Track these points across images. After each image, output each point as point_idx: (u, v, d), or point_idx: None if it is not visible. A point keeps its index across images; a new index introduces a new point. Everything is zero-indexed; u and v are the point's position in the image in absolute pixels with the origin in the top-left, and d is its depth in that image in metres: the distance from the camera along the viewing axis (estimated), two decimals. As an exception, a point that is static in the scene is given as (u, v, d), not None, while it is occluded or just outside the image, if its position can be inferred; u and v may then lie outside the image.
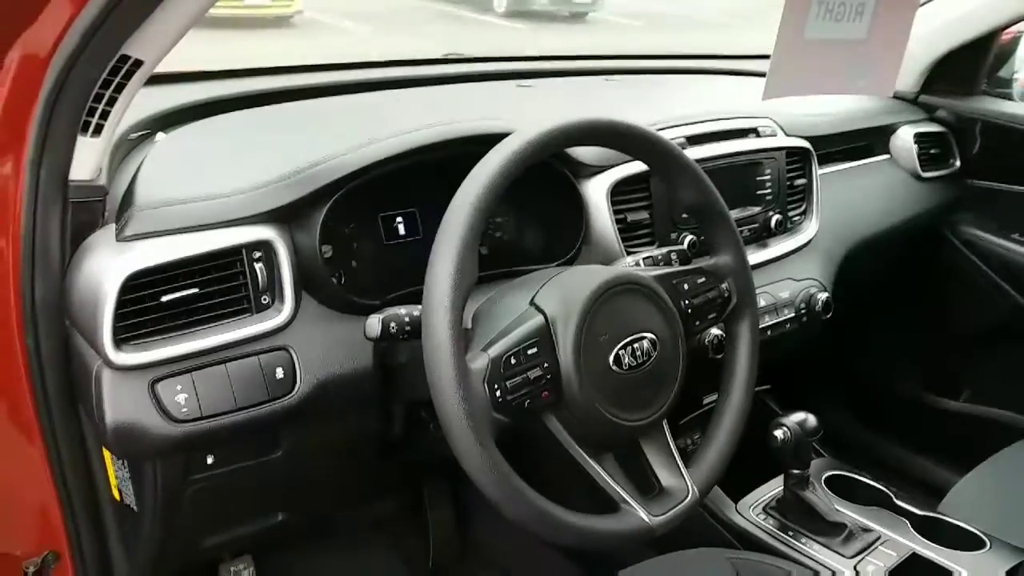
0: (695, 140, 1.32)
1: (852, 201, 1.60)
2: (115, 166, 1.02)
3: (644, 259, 1.08)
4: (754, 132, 1.41)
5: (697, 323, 1.00)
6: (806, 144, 1.49)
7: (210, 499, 0.98)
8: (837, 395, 1.99)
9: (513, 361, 0.81)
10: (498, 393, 0.79)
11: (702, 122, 1.36)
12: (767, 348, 1.35)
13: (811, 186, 1.50)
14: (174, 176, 1.01)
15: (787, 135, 1.47)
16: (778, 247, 1.43)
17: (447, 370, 0.75)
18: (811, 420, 1.25)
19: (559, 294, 0.88)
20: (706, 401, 1.49)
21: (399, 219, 1.11)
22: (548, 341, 0.84)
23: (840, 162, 1.62)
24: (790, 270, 1.44)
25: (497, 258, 1.20)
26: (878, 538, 1.20)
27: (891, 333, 1.95)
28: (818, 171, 1.51)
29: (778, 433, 1.23)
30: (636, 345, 0.88)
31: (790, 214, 1.47)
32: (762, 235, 1.42)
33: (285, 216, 0.96)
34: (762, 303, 1.36)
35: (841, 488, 1.32)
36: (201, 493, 0.97)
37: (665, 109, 1.42)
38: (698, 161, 1.12)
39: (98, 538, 1.05)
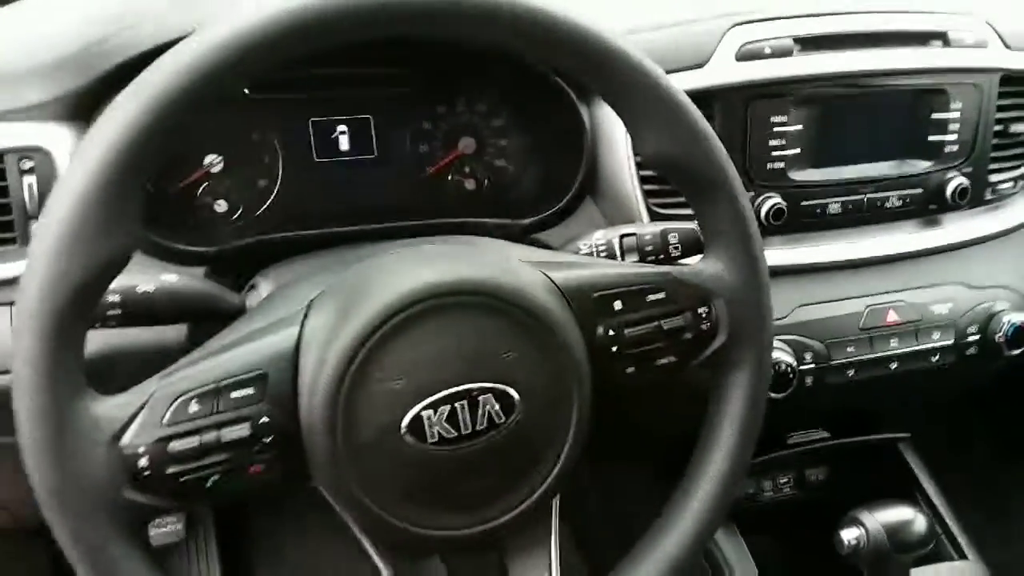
0: (813, 43, 0.82)
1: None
2: None
3: (598, 246, 0.67)
4: (939, 38, 0.85)
5: (631, 368, 0.57)
6: (1053, 66, 0.89)
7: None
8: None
9: (195, 408, 0.48)
10: (146, 461, 0.47)
11: (838, 14, 0.83)
12: (894, 386, 0.87)
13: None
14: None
15: (1008, 47, 0.88)
16: (955, 229, 0.89)
17: (30, 417, 0.44)
18: (918, 523, 0.78)
19: (348, 293, 0.52)
20: (792, 439, 1.02)
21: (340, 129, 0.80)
22: (285, 378, 0.50)
23: None
24: (966, 270, 0.89)
25: (481, 199, 0.85)
26: None
27: None
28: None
29: (847, 536, 0.78)
30: (463, 404, 0.50)
31: (994, 179, 0.91)
32: (928, 207, 0.88)
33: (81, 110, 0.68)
34: (892, 318, 0.85)
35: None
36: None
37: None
38: (821, 83, 0.76)
39: None
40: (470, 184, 0.85)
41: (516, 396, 0.52)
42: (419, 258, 0.55)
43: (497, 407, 0.51)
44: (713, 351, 0.59)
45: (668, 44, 0.79)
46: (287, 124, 0.78)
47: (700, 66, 0.79)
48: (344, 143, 0.81)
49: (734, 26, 0.80)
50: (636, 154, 0.77)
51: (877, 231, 0.87)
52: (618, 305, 0.57)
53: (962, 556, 0.95)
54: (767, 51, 0.80)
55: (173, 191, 0.76)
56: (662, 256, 0.69)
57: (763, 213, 0.81)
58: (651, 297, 0.57)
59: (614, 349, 0.56)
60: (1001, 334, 0.86)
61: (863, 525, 0.77)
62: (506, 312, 0.52)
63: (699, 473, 0.60)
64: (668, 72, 0.76)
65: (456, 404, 0.50)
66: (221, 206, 0.78)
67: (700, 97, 0.78)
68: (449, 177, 0.84)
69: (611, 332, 0.56)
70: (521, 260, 0.57)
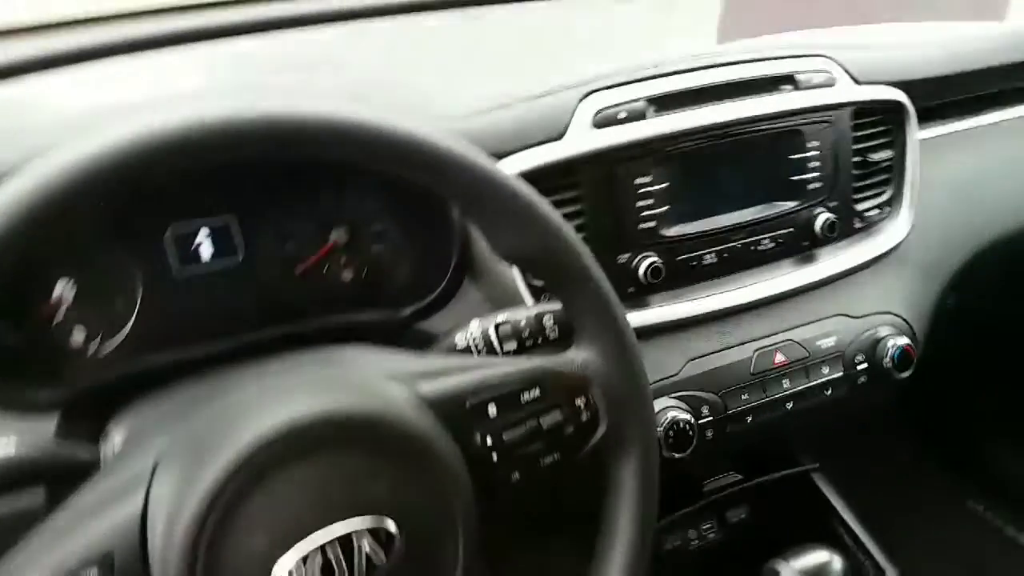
0: (666, 103, 0.83)
1: (977, 181, 1.01)
2: None
3: (474, 340, 0.65)
4: (788, 81, 0.88)
5: (515, 474, 0.55)
6: (896, 95, 0.92)
7: None
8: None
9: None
10: None
11: (687, 71, 0.85)
12: (794, 424, 0.88)
13: (903, 161, 0.94)
14: None
15: (858, 82, 0.91)
16: (830, 263, 0.91)
17: None
18: (835, 565, 0.78)
19: (194, 446, 0.49)
20: (708, 487, 1.02)
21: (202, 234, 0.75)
22: (134, 556, 0.45)
23: (956, 119, 1.02)
24: (847, 301, 0.91)
25: (359, 291, 0.82)
26: None
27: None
28: (916, 136, 0.94)
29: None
30: (336, 552, 0.47)
31: (861, 207, 0.93)
32: (801, 245, 0.90)
33: None
34: (780, 359, 0.86)
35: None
36: None
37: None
38: (680, 140, 0.76)
39: None
40: (347, 274, 0.82)
41: (395, 530, 0.49)
42: (273, 394, 0.52)
43: (375, 546, 0.48)
44: (597, 441, 0.58)
45: (523, 120, 0.79)
46: (142, 233, 0.73)
47: (558, 138, 0.79)
48: (207, 249, 0.77)
49: (586, 95, 0.80)
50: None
51: (755, 275, 0.88)
52: (493, 410, 0.55)
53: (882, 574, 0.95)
54: (622, 115, 0.80)
55: (17, 330, 0.71)
56: (541, 340, 0.67)
57: (641, 273, 0.81)
58: (526, 396, 0.56)
59: (494, 458, 0.54)
60: (888, 359, 0.88)
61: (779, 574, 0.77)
62: (373, 441, 0.49)
63: (603, 571, 0.58)
64: (527, 147, 0.78)
65: (329, 553, 0.47)
66: (75, 339, 0.73)
67: (563, 168, 0.78)
68: (324, 270, 0.81)
69: (489, 440, 0.54)
70: (388, 375, 0.55)
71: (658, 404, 0.80)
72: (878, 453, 1.20)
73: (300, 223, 0.79)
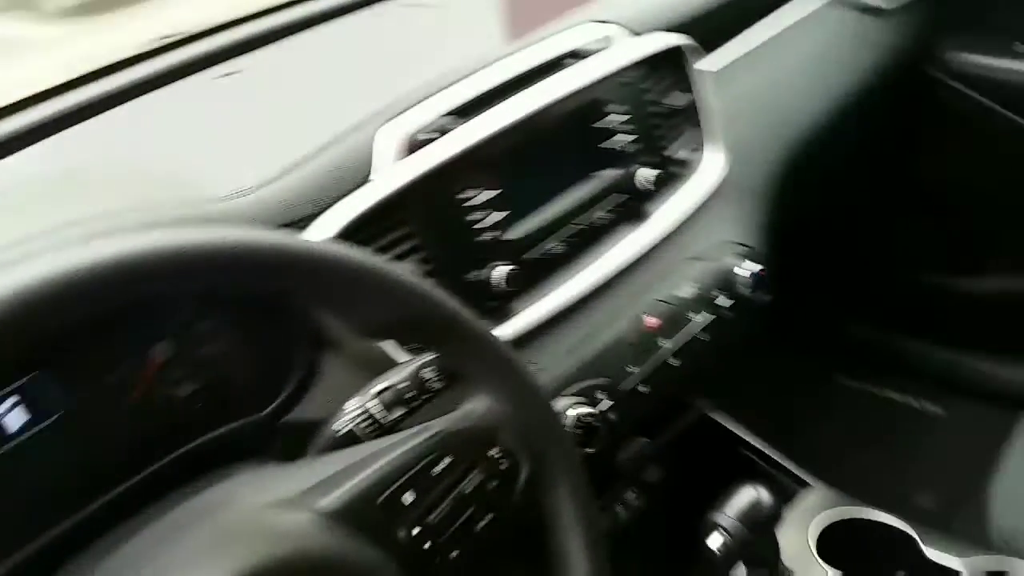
0: (465, 111, 0.80)
1: (774, 95, 1.06)
2: None
3: (358, 420, 0.60)
4: (572, 56, 0.88)
5: (454, 552, 0.51)
6: (674, 39, 0.94)
7: None
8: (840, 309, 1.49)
9: None
10: None
11: (478, 73, 0.82)
12: (684, 377, 0.88)
13: (700, 99, 0.97)
14: None
15: (637, 33, 0.92)
16: (665, 215, 0.92)
17: None
18: (762, 499, 0.79)
19: None
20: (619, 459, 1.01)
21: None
22: None
23: (740, 43, 1.05)
24: (692, 245, 0.93)
25: (210, 404, 0.73)
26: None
27: (875, 226, 1.43)
28: (705, 71, 0.97)
29: (713, 543, 0.77)
30: None
31: (677, 155, 0.95)
32: (633, 208, 0.90)
33: None
34: (652, 322, 0.86)
35: (838, 544, 0.86)
36: None
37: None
38: (491, 143, 0.74)
39: None
40: (186, 388, 0.73)
41: None
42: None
43: None
44: (524, 483, 0.55)
45: (319, 176, 0.73)
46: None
47: (366, 181, 0.74)
48: (17, 418, 0.66)
49: (381, 127, 0.76)
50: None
51: (602, 249, 0.87)
52: (408, 497, 0.50)
53: (804, 485, 0.99)
54: (424, 137, 0.77)
55: None
56: (428, 395, 0.63)
57: (496, 284, 0.78)
58: (438, 468, 0.52)
59: (426, 545, 0.50)
60: (747, 287, 0.90)
61: (720, 527, 0.77)
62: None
63: None
64: (340, 197, 0.73)
65: None
66: None
67: (381, 210, 0.74)
68: (158, 393, 0.72)
69: (414, 530, 0.50)
70: (280, 504, 0.49)
71: (557, 406, 0.78)
72: (760, 370, 1.25)
73: (113, 351, 0.69)
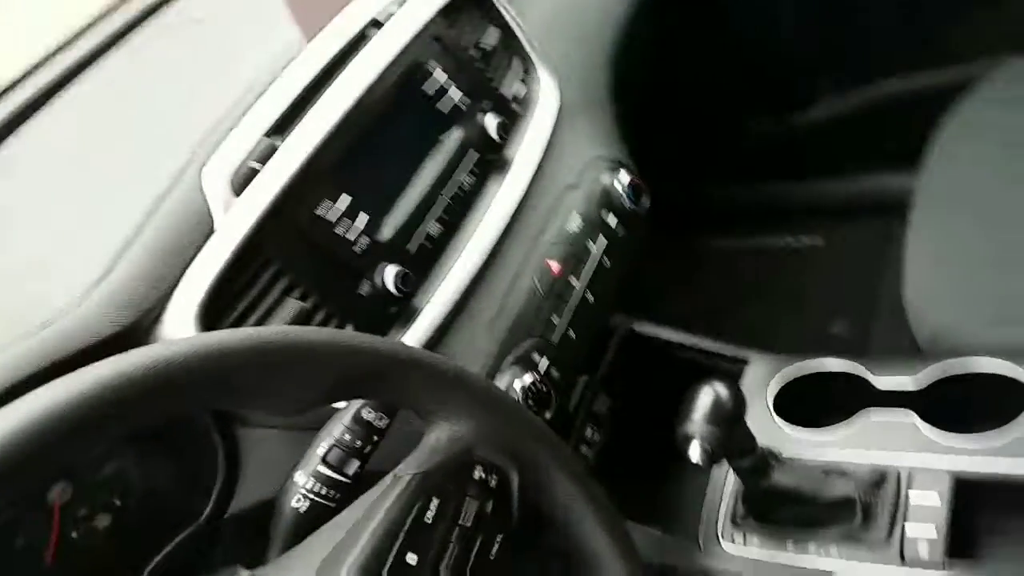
0: (281, 125, 0.71)
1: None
2: None
3: (311, 493, 0.53)
4: (373, 25, 0.80)
5: None
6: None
7: None
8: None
9: None
10: None
11: (267, 94, 0.73)
12: (604, 307, 0.86)
13: (508, 28, 0.92)
14: None
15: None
16: (525, 155, 0.87)
17: None
18: (721, 392, 0.78)
19: None
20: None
21: None
22: None
23: None
24: (562, 174, 0.90)
25: (130, 537, 0.65)
26: (899, 483, 0.77)
27: (705, 84, 1.44)
28: (502, -1, 0.93)
29: (695, 454, 0.76)
30: None
31: (510, 92, 0.90)
32: (491, 161, 0.85)
33: None
34: (556, 267, 0.83)
35: (796, 404, 0.88)
36: None
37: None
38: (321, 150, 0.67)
39: None
40: (103, 521, 0.64)
41: None
42: None
43: None
44: (520, 492, 0.50)
45: (162, 239, 0.64)
46: None
47: (211, 232, 0.65)
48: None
49: (204, 167, 0.67)
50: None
51: (478, 214, 0.82)
52: (413, 558, 0.45)
53: (744, 361, 1.00)
54: (252, 167, 0.68)
55: None
56: (377, 438, 0.57)
57: (392, 288, 0.72)
58: (428, 516, 0.46)
59: None
60: (626, 200, 0.88)
61: (694, 436, 0.75)
62: None
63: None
64: (188, 262, 0.64)
65: None
66: None
67: (243, 257, 0.66)
68: (79, 539, 0.63)
69: None
70: None
71: (501, 384, 0.74)
72: (652, 265, 1.25)
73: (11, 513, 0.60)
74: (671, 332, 1.02)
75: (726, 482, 0.83)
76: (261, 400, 0.43)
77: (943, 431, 0.78)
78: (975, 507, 0.73)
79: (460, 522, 0.47)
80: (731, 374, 0.94)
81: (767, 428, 0.85)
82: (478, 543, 0.48)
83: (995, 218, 0.95)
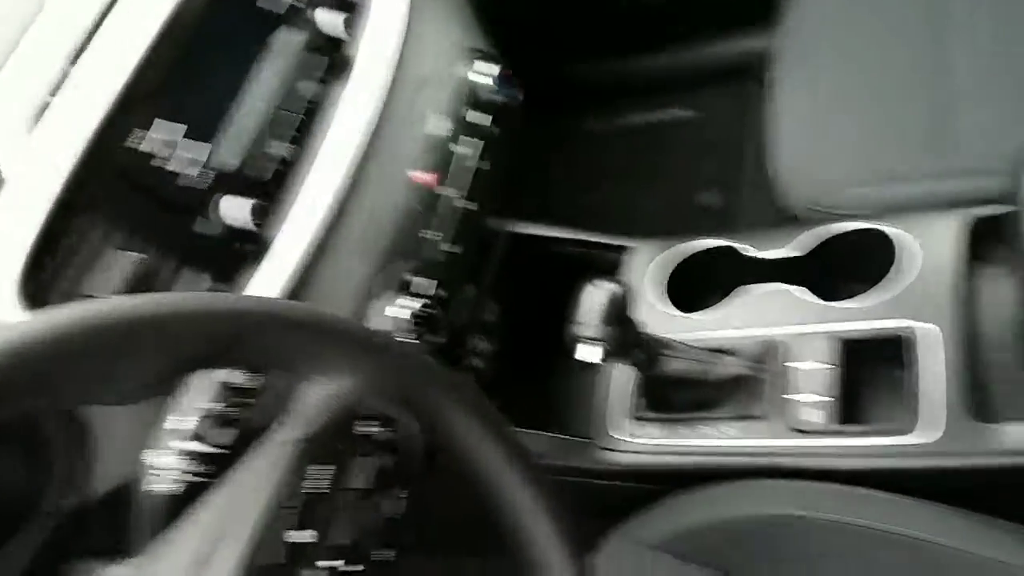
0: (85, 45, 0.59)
1: None
2: None
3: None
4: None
5: (393, 554, 0.43)
6: None
7: None
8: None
9: None
10: None
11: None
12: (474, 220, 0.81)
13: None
14: None
15: None
16: (371, 55, 0.77)
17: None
18: (608, 291, 0.75)
19: None
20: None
21: None
22: None
23: None
24: (413, 70, 0.81)
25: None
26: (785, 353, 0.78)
27: None
28: None
29: (587, 355, 0.73)
30: None
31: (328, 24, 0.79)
32: (334, 66, 0.75)
33: None
34: (426, 177, 0.76)
35: (680, 284, 0.88)
36: None
37: None
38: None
39: None
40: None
41: None
42: None
43: None
44: (425, 441, 0.46)
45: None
46: None
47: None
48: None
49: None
50: None
51: (331, 123, 0.73)
52: (311, 535, 0.40)
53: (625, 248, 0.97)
54: (44, 99, 0.57)
55: None
56: (251, 399, 0.50)
57: (244, 224, 0.64)
58: (322, 484, 0.41)
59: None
60: (496, 93, 0.81)
61: (586, 337, 0.73)
62: None
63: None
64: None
65: None
66: None
67: (59, 217, 0.56)
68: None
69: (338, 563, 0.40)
70: None
71: (387, 315, 0.68)
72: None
73: None
74: (552, 229, 0.98)
75: (620, 376, 0.83)
76: (84, 396, 0.36)
77: (821, 299, 0.79)
78: (859, 369, 0.75)
79: (359, 485, 0.43)
80: (615, 264, 0.92)
81: (654, 315, 0.85)
82: (383, 504, 0.43)
83: (858, 74, 0.94)
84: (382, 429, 0.46)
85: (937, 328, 0.72)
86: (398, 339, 0.64)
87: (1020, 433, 0.66)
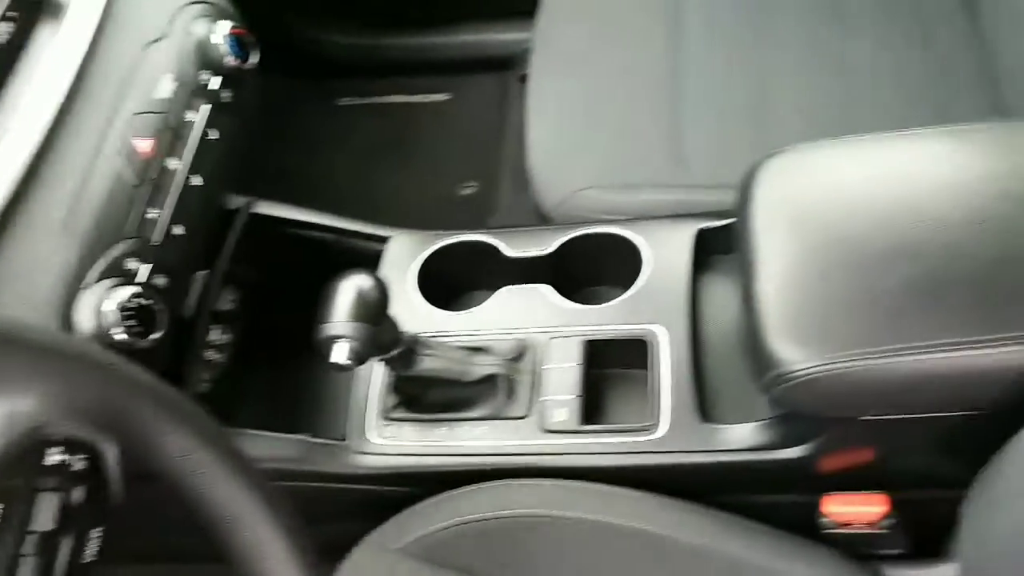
0: None
1: None
2: None
3: None
4: None
5: None
6: None
7: None
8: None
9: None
10: None
11: None
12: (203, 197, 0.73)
13: None
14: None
15: None
16: (83, 6, 0.66)
17: None
18: (364, 286, 0.69)
19: None
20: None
21: None
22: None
23: None
24: (139, 23, 0.69)
25: None
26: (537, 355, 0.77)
27: None
28: None
29: (340, 356, 0.67)
30: None
31: None
32: (31, 12, 0.63)
33: None
34: (143, 147, 0.65)
35: (437, 279, 0.85)
36: None
37: None
38: None
39: None
40: None
41: None
42: None
43: None
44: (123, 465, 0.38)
45: None
46: None
47: None
48: None
49: None
50: None
51: (25, 78, 0.61)
52: None
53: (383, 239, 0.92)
54: None
55: None
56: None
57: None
58: None
59: None
60: (228, 56, 0.72)
61: (339, 336, 0.66)
62: None
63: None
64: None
65: None
66: None
67: None
68: None
69: None
70: None
71: (89, 305, 0.58)
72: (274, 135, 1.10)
73: None
74: (299, 211, 0.90)
75: (372, 374, 0.78)
76: None
77: (573, 302, 0.80)
78: (608, 370, 0.77)
79: (35, 528, 0.34)
80: (367, 253, 0.87)
81: (411, 311, 0.81)
82: (68, 547, 0.35)
83: (605, 80, 0.96)
84: (77, 456, 0.38)
85: (666, 331, 0.75)
86: (99, 343, 0.54)
87: (739, 432, 0.70)
